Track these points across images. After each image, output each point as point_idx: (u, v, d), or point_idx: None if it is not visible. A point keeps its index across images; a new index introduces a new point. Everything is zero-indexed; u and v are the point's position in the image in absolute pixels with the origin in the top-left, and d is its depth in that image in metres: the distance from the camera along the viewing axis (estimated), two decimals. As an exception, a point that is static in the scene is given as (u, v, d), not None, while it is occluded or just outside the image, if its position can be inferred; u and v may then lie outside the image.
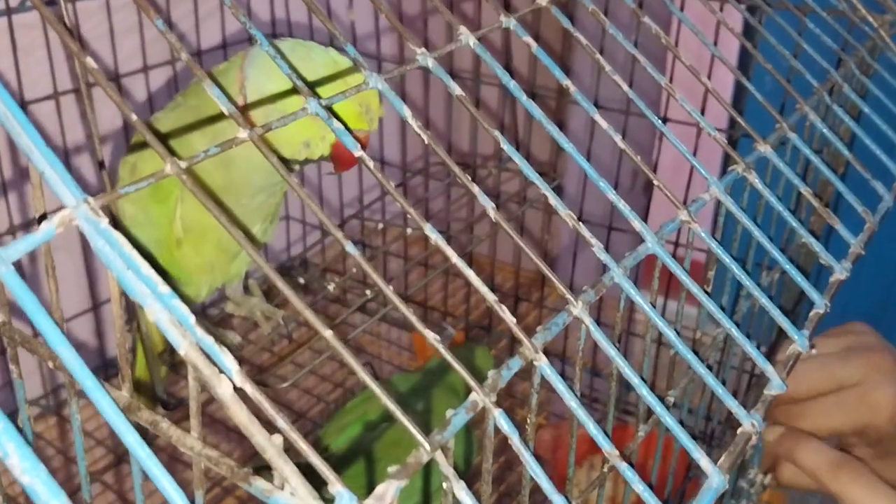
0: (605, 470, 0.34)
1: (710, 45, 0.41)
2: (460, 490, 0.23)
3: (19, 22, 0.69)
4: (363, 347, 1.00)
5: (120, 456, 0.73)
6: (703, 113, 0.68)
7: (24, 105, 0.71)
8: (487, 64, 0.32)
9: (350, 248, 0.24)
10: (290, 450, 0.21)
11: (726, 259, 0.33)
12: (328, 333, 0.22)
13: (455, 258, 0.26)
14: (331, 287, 0.66)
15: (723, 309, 0.33)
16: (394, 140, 0.92)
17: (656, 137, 0.88)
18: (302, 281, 0.60)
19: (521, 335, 0.26)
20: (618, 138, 0.33)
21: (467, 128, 0.93)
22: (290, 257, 0.98)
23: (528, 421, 0.29)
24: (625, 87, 0.36)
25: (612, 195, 0.32)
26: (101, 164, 0.45)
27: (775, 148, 0.39)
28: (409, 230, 0.86)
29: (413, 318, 0.25)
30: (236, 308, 0.66)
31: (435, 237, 0.26)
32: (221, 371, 0.21)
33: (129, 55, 0.79)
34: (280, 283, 0.23)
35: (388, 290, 0.25)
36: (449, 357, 0.24)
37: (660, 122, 0.35)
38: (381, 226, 0.89)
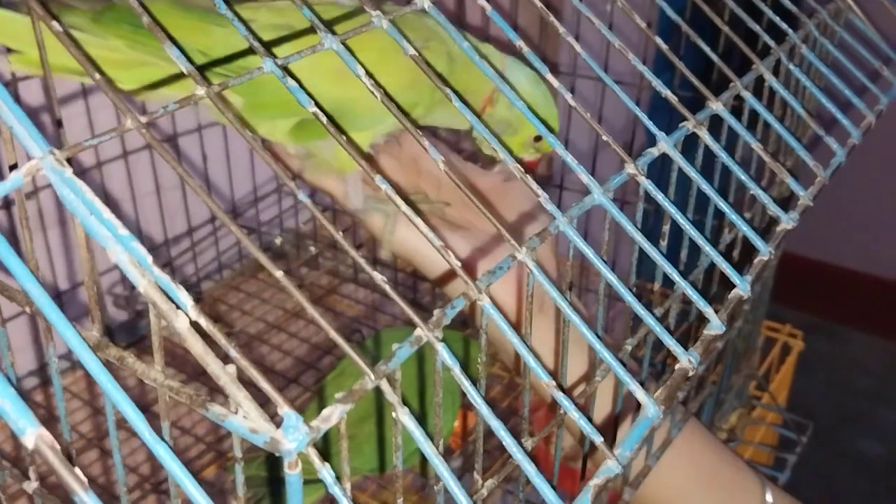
0: (562, 412, 0.36)
1: (665, 6, 0.43)
2: (404, 416, 0.25)
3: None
4: (357, 318, 1.02)
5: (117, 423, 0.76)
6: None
7: (14, 82, 0.73)
8: (441, 25, 0.33)
9: (302, 196, 0.26)
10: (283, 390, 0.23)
11: (671, 210, 0.35)
12: (279, 274, 0.24)
13: (399, 201, 0.27)
14: (312, 249, 0.68)
15: (676, 260, 0.34)
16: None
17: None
18: (278, 241, 0.62)
19: (464, 277, 0.27)
20: (568, 96, 0.35)
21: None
22: (283, 230, 0.99)
23: (479, 360, 0.30)
24: (578, 47, 0.37)
25: (561, 151, 0.33)
26: (58, 123, 0.47)
27: (728, 106, 0.41)
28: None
29: (370, 269, 0.27)
30: None
31: (385, 187, 0.28)
32: (178, 307, 0.23)
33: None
34: (235, 230, 0.24)
35: (351, 248, 0.27)
36: (392, 294, 0.26)
37: (611, 80, 0.37)
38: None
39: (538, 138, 0.53)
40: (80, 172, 0.83)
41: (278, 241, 0.72)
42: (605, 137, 0.34)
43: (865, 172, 1.87)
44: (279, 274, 0.24)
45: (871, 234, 1.99)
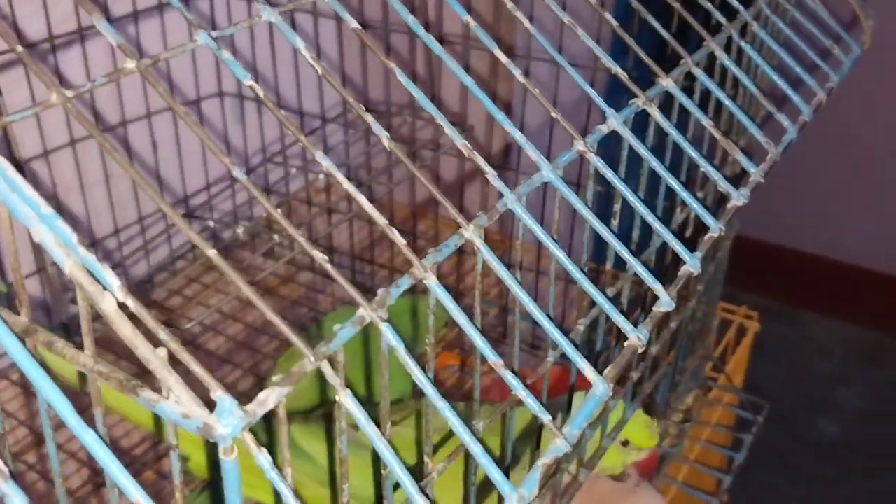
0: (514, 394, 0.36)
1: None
2: (346, 398, 0.24)
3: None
4: (279, 293, 1.00)
5: (41, 435, 0.73)
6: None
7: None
8: (395, 9, 0.33)
9: (237, 173, 0.25)
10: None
11: (622, 188, 0.34)
12: (212, 253, 0.23)
13: (346, 184, 0.27)
14: (240, 231, 0.66)
15: (629, 241, 0.34)
16: (312, 90, 0.91)
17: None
18: (211, 224, 0.60)
19: (410, 256, 0.27)
20: (517, 72, 0.34)
21: (381, 81, 0.92)
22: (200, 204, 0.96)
23: (427, 341, 0.30)
24: (532, 28, 0.36)
25: (510, 128, 0.33)
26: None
27: (679, 83, 0.40)
28: (319, 175, 0.86)
29: (322, 260, 0.26)
30: None
31: (327, 164, 0.27)
32: (105, 288, 0.22)
33: (63, 19, 0.78)
34: (165, 207, 0.23)
35: (295, 231, 0.26)
36: (334, 274, 0.25)
37: (562, 59, 0.36)
38: (294, 170, 0.89)
39: (625, 442, 0.55)
40: (26, 161, 0.81)
41: (240, 230, 0.70)
42: (554, 115, 0.34)
43: (821, 156, 1.89)
44: (212, 253, 0.23)
45: (829, 219, 2.01)
